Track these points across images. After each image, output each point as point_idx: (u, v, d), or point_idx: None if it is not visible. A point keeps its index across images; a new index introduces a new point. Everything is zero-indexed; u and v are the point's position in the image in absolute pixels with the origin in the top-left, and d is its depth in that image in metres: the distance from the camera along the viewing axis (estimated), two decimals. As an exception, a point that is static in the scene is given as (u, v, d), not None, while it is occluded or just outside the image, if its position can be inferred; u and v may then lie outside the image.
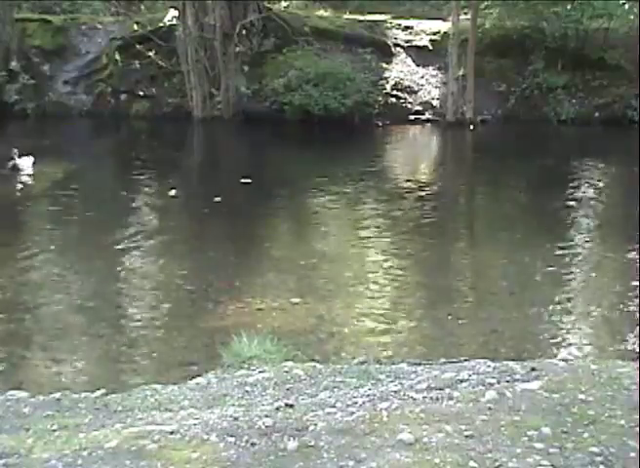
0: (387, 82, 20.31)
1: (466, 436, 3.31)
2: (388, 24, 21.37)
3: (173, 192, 13.58)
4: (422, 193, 14.05)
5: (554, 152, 17.36)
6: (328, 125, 18.48)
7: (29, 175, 14.54)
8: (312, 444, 3.30)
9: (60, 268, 10.09)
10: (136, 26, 21.14)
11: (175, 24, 20.63)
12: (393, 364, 4.84)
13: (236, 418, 3.64)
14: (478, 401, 3.66)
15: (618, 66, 19.78)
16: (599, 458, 3.16)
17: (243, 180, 13.93)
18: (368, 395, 3.94)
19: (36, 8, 22.93)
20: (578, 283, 9.56)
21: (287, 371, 4.57)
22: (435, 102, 20.23)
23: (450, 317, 8.56)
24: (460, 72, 19.55)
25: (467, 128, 19.24)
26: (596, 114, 19.83)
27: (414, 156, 15.01)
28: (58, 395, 4.37)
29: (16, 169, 14.64)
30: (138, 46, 20.57)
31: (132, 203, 13.23)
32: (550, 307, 8.74)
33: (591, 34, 20.05)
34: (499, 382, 3.92)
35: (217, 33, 19.97)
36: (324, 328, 8.21)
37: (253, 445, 3.33)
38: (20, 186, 14.26)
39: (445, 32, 20.51)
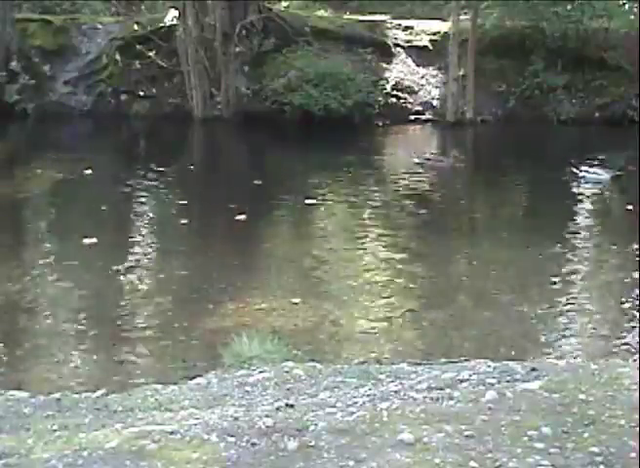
0: (388, 82, 20.29)
1: (467, 436, 3.30)
2: (388, 24, 21.34)
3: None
4: (422, 193, 14.04)
5: (554, 152, 17.35)
6: (328, 125, 18.45)
7: None
8: (312, 444, 3.30)
9: (59, 268, 10.09)
10: (136, 26, 21.11)
11: (175, 25, 20.60)
12: (393, 364, 4.83)
13: (236, 418, 3.64)
14: (478, 401, 3.65)
15: (618, 66, 19.76)
16: (599, 458, 3.15)
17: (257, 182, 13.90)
18: (368, 395, 3.94)
19: (36, 8, 22.90)
20: (577, 282, 9.56)
21: (287, 371, 4.57)
22: (435, 102, 20.22)
23: (450, 317, 8.57)
24: (461, 72, 19.53)
25: (468, 128, 19.23)
26: (596, 114, 19.81)
27: (414, 156, 15.03)
28: (58, 395, 4.37)
29: None
30: (138, 46, 20.54)
31: (131, 202, 13.23)
32: (550, 307, 8.74)
33: (591, 34, 20.02)
34: (499, 382, 3.91)
35: (217, 33, 19.96)
36: (324, 328, 8.21)
37: (253, 445, 3.32)
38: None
39: (445, 32, 20.49)
